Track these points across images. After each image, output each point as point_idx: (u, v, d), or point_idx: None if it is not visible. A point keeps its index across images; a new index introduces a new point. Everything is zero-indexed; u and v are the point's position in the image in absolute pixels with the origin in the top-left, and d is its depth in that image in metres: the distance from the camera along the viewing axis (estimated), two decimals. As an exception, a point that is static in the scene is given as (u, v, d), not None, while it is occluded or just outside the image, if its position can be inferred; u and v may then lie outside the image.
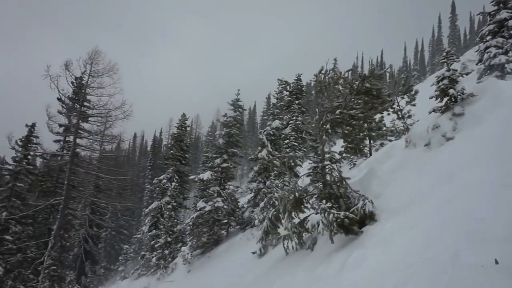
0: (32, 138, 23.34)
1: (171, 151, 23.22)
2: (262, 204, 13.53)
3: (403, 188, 7.06)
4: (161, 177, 21.78)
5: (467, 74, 9.69)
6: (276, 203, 12.48)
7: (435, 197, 5.56)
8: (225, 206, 16.02)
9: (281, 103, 21.17)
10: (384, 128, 14.62)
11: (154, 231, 20.39)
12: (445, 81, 8.73)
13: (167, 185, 21.36)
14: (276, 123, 17.41)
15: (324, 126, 8.72)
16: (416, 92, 16.05)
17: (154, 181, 23.04)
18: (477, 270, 2.74)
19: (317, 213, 8.34)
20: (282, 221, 8.61)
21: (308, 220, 6.83)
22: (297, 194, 8.35)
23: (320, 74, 8.92)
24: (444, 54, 10.46)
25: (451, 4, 65.07)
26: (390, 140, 14.01)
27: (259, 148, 16.85)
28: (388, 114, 14.43)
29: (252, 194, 16.52)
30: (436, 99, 8.97)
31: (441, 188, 5.71)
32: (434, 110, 9.05)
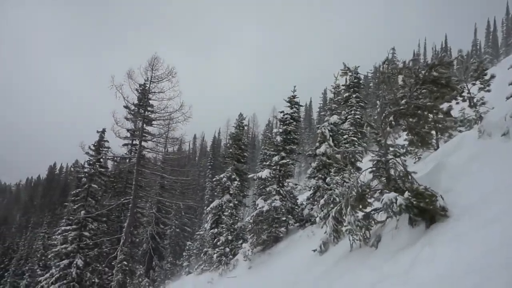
0: (103, 142, 25.31)
1: (230, 150, 23.78)
2: (322, 201, 13.33)
3: (477, 183, 6.47)
4: (221, 175, 22.37)
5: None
6: (337, 199, 12.23)
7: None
8: (283, 206, 15.98)
9: (339, 97, 20.61)
10: (453, 118, 13.54)
11: (216, 229, 21.04)
12: (525, 63, 7.84)
13: (227, 183, 21.89)
14: (334, 118, 16.99)
15: (387, 119, 8.32)
16: (493, 76, 14.62)
17: (214, 180, 23.75)
18: None
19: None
20: (345, 217, 8.42)
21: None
22: (359, 189, 8.09)
23: (383, 65, 8.54)
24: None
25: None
26: (460, 131, 12.96)
27: (317, 144, 16.56)
28: (457, 103, 13.36)
29: (311, 191, 16.30)
30: (515, 83, 8.12)
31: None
32: None
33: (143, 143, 26.05)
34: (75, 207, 23.01)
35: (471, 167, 7.51)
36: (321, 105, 63.64)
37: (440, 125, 11.38)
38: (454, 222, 5.75)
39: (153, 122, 26.65)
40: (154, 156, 30.52)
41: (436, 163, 8.29)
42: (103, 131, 25.32)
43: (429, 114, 8.41)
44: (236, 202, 21.01)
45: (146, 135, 26.39)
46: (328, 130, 15.51)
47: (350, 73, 19.16)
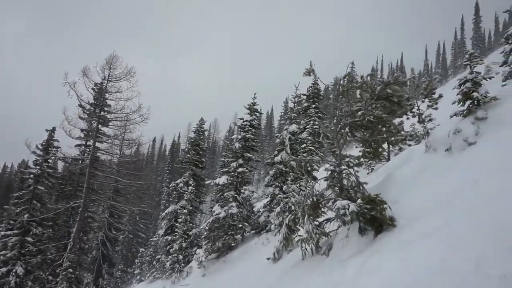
0: (52, 142, 23.92)
1: (188, 155, 23.41)
2: (278, 209, 13.44)
3: (423, 195, 6.83)
4: (178, 181, 21.95)
5: (490, 78, 9.34)
6: (293, 207, 12.40)
7: (456, 204, 5.34)
8: (240, 212, 15.93)
9: (298, 107, 21.03)
10: (403, 132, 14.29)
11: (170, 235, 20.53)
12: (468, 84, 8.44)
13: (183, 189, 21.48)
14: (293, 127, 17.28)
15: (343, 130, 8.59)
16: (440, 96, 15.61)
17: (170, 185, 23.23)
18: (499, 281, 2.57)
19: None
20: (300, 226, 8.54)
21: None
22: (314, 198, 8.26)
23: (343, 79, 8.86)
24: (467, 56, 10.14)
25: (474, 5, 63.51)
26: (410, 145, 13.68)
27: (276, 152, 16.74)
28: (408, 118, 14.12)
29: (268, 199, 16.40)
30: (459, 103, 8.69)
31: (463, 195, 5.49)
32: (455, 114, 8.75)
33: (97, 144, 24.94)
34: (17, 211, 21.47)
35: (418, 179, 7.91)
36: (283, 113, 64.59)
37: (391, 139, 11.98)
38: (400, 232, 6.01)
39: (109, 122, 25.61)
40: (108, 158, 29.27)
41: (386, 174, 8.66)
42: (53, 129, 23.95)
43: (382, 128, 8.82)
44: (192, 208, 20.65)
45: (101, 136, 25.28)
46: (288, 138, 15.73)
47: (313, 76, 19.57)
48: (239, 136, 18.37)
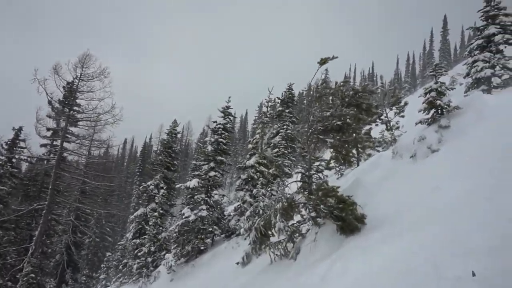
0: (18, 141, 22.87)
1: (160, 157, 22.98)
2: (248, 213, 13.40)
3: (389, 199, 7.00)
4: (148, 183, 21.48)
5: (452, 89, 9.84)
6: (261, 211, 12.39)
7: (419, 209, 5.50)
8: (210, 215, 15.76)
9: (272, 111, 21.17)
10: (372, 139, 14.66)
11: (138, 238, 20.03)
12: (433, 93, 8.78)
13: (154, 191, 21.05)
14: (267, 130, 17.36)
15: (313, 135, 8.69)
16: (406, 104, 16.19)
17: (141, 187, 22.71)
18: (455, 282, 2.66)
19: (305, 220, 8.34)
20: (270, 230, 8.55)
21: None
22: (285, 202, 8.28)
23: (317, 86, 8.99)
24: (433, 67, 10.54)
25: (443, 19, 66.43)
26: (378, 151, 14.04)
27: (248, 156, 16.73)
28: (376, 125, 14.49)
29: (239, 203, 16.34)
30: (424, 111, 9.01)
31: (426, 200, 5.66)
32: (421, 122, 9.08)
33: (65, 144, 24.02)
34: (-25, 212, 20.34)
35: (385, 185, 8.12)
36: (256, 117, 64.79)
37: (361, 145, 12.23)
38: (366, 235, 6.12)
39: (78, 122, 24.75)
40: (76, 159, 28.27)
41: (354, 179, 8.82)
42: (20, 129, 22.94)
43: (352, 133, 9.00)
44: (162, 211, 20.26)
45: (69, 136, 24.39)
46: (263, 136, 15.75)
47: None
48: (212, 139, 18.24)
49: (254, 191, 14.72)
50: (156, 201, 20.40)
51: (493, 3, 17.71)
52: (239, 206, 16.13)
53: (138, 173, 50.44)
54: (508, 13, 17.62)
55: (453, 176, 5.80)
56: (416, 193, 6.27)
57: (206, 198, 16.35)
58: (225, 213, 17.84)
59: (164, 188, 21.13)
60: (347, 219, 6.57)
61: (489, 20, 17.79)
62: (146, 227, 19.43)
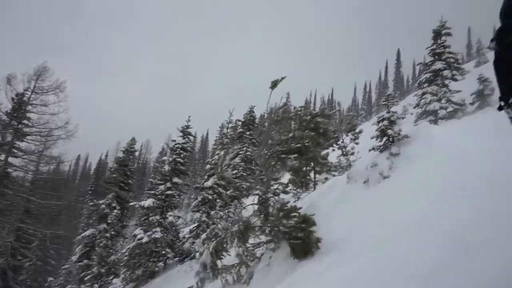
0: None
1: (114, 175, 22.04)
2: (204, 236, 13.07)
3: (342, 223, 7.13)
4: (100, 202, 20.43)
5: (403, 118, 10.46)
6: (220, 233, 12.13)
7: (369, 234, 5.63)
8: (164, 238, 15.18)
9: (232, 133, 21.19)
10: (329, 163, 15.04)
11: (85, 260, 18.78)
12: (385, 122, 9.22)
13: (106, 211, 20.03)
14: (226, 151, 17.28)
15: (272, 158, 8.75)
16: (360, 131, 16.88)
17: (91, 205, 21.52)
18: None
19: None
20: (224, 253, 8.35)
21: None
22: (241, 224, 8.17)
23: (277, 109, 9.13)
24: (385, 97, 11.09)
25: (396, 52, 71.04)
26: (334, 175, 14.39)
27: (206, 177, 16.48)
28: (333, 150, 14.93)
29: (195, 225, 15.92)
30: (377, 138, 9.42)
31: (376, 225, 5.81)
32: (373, 149, 9.45)
33: (10, 159, 22.39)
34: None
35: (339, 209, 8.29)
36: (218, 138, 64.57)
37: (318, 168, 12.49)
38: (319, 260, 6.14)
39: (27, 136, 23.27)
40: (22, 175, 26.37)
41: (310, 202, 8.93)
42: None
43: (310, 157, 9.17)
44: (114, 233, 19.24)
45: (16, 151, 22.79)
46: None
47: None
48: (170, 159, 17.83)
49: (212, 213, 14.44)
50: (108, 221, 19.39)
51: (439, 41, 19.25)
52: (194, 228, 15.70)
53: (90, 192, 48.02)
54: (452, 51, 19.22)
55: (401, 202, 6.03)
56: (367, 218, 6.43)
57: (161, 220, 15.78)
58: (180, 235, 17.27)
59: (117, 208, 20.18)
60: (306, 239, 6.58)
61: (436, 57, 19.27)
62: (96, 248, 18.32)
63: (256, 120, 25.15)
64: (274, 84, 8.00)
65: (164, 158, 19.80)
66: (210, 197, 14.93)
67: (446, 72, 18.41)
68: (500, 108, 1.76)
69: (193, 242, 15.12)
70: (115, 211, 19.78)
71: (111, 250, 18.47)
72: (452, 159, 6.60)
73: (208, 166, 17.30)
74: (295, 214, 6.93)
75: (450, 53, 19.20)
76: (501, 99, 1.73)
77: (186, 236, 16.35)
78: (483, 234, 3.04)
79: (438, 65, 18.84)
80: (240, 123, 22.43)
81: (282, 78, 8.11)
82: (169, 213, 16.10)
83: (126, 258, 15.45)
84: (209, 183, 14.97)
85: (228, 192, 14.68)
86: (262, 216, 8.38)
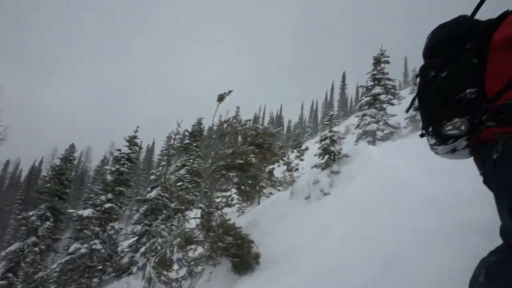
0: None
1: (49, 185, 20.51)
2: (143, 249, 12.60)
3: (283, 238, 7.30)
4: (30, 213, 18.84)
5: (344, 138, 11.11)
6: (159, 248, 11.77)
7: (308, 250, 5.82)
8: (100, 252, 14.38)
9: (178, 144, 20.84)
10: (274, 178, 15.35)
11: (8, 279, 17.08)
12: (327, 141, 9.68)
13: (36, 223, 18.51)
14: (172, 162, 16.93)
15: (216, 172, 8.75)
16: (306, 148, 17.49)
17: (19, 217, 19.77)
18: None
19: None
20: (166, 268, 8.12)
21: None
22: (183, 238, 8.03)
23: (225, 124, 9.18)
24: (328, 117, 11.67)
25: (342, 74, 75.09)
26: (279, 190, 14.70)
27: (149, 189, 15.99)
28: (279, 166, 15.28)
29: (135, 238, 15.29)
30: (319, 156, 9.84)
31: (313, 240, 6.04)
32: (316, 166, 9.85)
33: None
34: None
35: (281, 224, 8.48)
36: (164, 148, 63.02)
37: (262, 184, 12.69)
38: (258, 275, 6.21)
39: None
40: None
41: (253, 218, 9.03)
42: None
43: (255, 172, 9.31)
44: (44, 247, 17.80)
45: None
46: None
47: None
48: (113, 168, 17.08)
49: (153, 225, 13.98)
50: (39, 234, 17.91)
51: (379, 68, 20.75)
52: (134, 242, 15.06)
53: (19, 201, 44.12)
54: (390, 78, 20.80)
55: (338, 218, 6.34)
56: (307, 233, 6.65)
57: (100, 231, 14.95)
58: (119, 249, 16.45)
59: (51, 220, 18.74)
60: (244, 256, 6.65)
61: (376, 81, 20.71)
62: (22, 264, 16.78)
63: (204, 132, 24.99)
64: (221, 98, 8.10)
65: (107, 167, 18.89)
66: (153, 209, 14.47)
67: (384, 97, 19.85)
68: (422, 136, 1.99)
69: (133, 256, 14.47)
70: (47, 223, 18.34)
71: (39, 266, 17.00)
72: (385, 178, 7.10)
73: (152, 177, 16.80)
74: (233, 232, 6.99)
75: (388, 79, 20.75)
76: (422, 128, 1.96)
77: (125, 250, 15.61)
78: (404, 248, 3.33)
79: (377, 89, 20.24)
80: (187, 134, 22.15)
81: (230, 92, 8.24)
82: (109, 225, 15.31)
83: (56, 274, 14.33)
84: (152, 194, 14.52)
85: (172, 205, 14.35)
86: (204, 230, 8.32)
